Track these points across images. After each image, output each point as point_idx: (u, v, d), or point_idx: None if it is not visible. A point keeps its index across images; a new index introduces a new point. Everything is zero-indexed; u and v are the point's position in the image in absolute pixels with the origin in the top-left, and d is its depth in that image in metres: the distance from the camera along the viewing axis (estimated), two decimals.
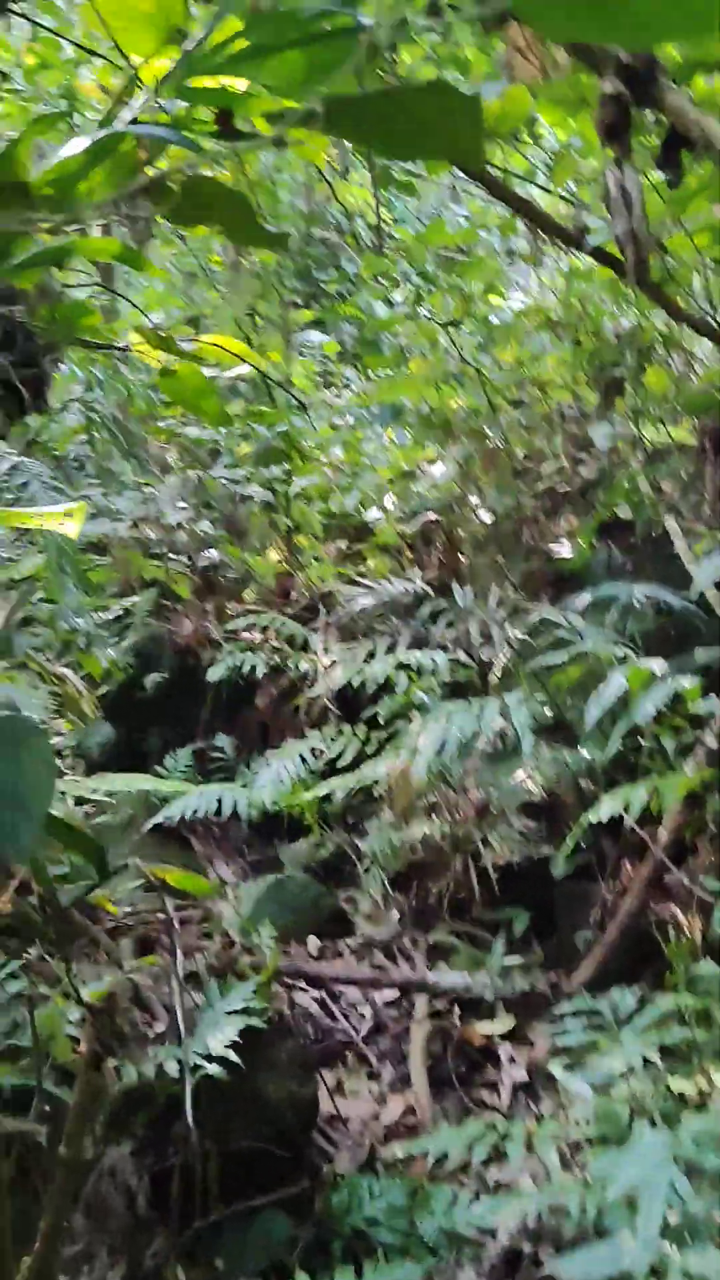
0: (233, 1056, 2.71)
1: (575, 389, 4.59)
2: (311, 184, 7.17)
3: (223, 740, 5.73)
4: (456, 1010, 3.67)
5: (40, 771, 1.25)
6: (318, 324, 9.90)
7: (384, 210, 8.45)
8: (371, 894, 4.37)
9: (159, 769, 5.56)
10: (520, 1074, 3.43)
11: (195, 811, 4.26)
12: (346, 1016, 3.79)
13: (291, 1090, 2.95)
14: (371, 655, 4.31)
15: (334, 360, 8.32)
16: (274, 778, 4.46)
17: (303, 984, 3.90)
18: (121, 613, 6.28)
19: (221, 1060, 2.71)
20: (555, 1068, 2.77)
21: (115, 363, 4.84)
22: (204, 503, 6.08)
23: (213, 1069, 2.68)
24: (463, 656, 4.10)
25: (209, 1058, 2.72)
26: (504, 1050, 3.55)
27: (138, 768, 6.03)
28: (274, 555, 6.38)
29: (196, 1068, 2.70)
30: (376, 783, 4.05)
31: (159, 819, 4.29)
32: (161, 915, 4.82)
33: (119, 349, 1.95)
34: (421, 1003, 3.71)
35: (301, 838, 5.07)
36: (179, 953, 3.32)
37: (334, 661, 4.53)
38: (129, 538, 6.00)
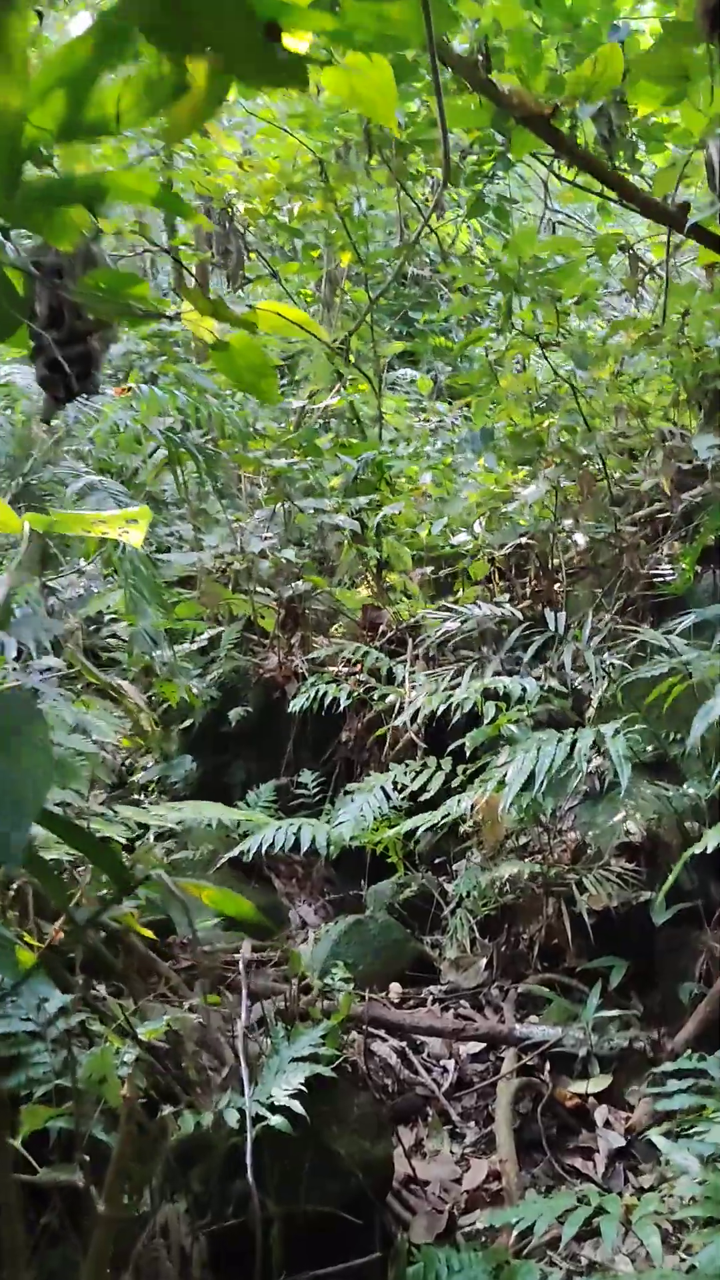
0: (297, 1107, 2.46)
1: (675, 407, 4.32)
2: (405, 216, 7.06)
3: (307, 775, 5.53)
4: (547, 1067, 3.36)
5: (36, 762, 1.06)
6: (411, 361, 9.81)
7: (481, 244, 8.32)
8: (458, 939, 4.08)
9: (241, 804, 5.38)
10: (617, 1140, 3.10)
11: (274, 847, 4.04)
12: (428, 1069, 3.51)
13: (364, 1148, 2.68)
14: (458, 682, 4.06)
15: (427, 397, 8.17)
16: (355, 813, 4.23)
17: (382, 1033, 3.63)
18: (207, 644, 6.16)
19: (285, 1111, 2.46)
20: (657, 1136, 2.45)
21: (204, 393, 4.74)
22: (292, 538, 5.95)
23: (276, 1120, 2.44)
24: (555, 685, 3.83)
25: (273, 1107, 2.48)
26: (599, 1113, 3.23)
27: (221, 802, 5.88)
28: (364, 592, 6.20)
29: (259, 1119, 2.47)
30: (463, 819, 3.79)
31: (235, 853, 4.08)
32: (238, 956, 4.63)
33: (168, 318, 1.77)
34: (510, 1057, 3.41)
35: (386, 878, 4.82)
36: (246, 992, 3.10)
37: (416, 688, 4.29)
38: (215, 569, 5.88)
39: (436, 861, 4.88)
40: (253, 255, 7.53)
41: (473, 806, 3.47)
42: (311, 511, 5.76)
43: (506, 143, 5.61)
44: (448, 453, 5.27)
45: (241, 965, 3.30)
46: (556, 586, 4.45)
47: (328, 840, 4.11)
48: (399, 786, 4.30)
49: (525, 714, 3.83)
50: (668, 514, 4.92)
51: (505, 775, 3.25)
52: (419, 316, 10.62)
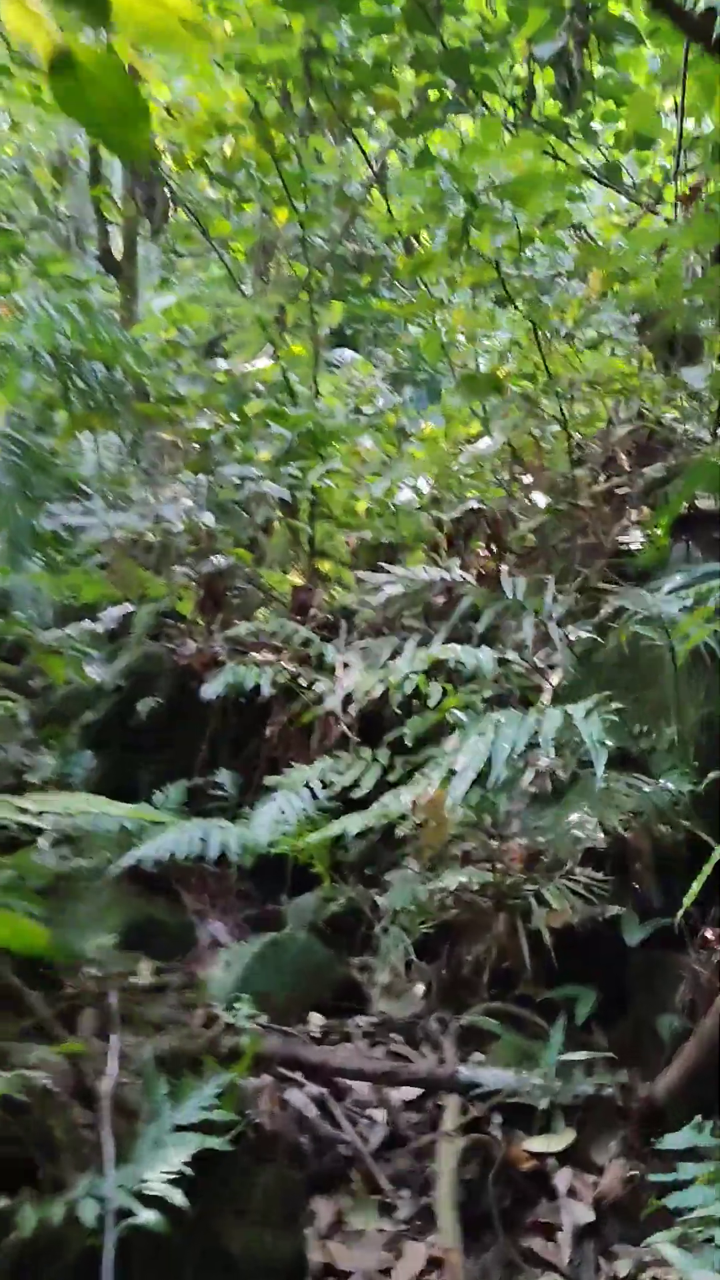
0: (177, 1197, 1.81)
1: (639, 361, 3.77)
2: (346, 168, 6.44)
3: (225, 775, 4.86)
4: (498, 1119, 2.74)
5: None
6: (350, 344, 9.22)
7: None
8: (391, 960, 3.45)
9: (145, 807, 4.69)
10: (584, 1214, 2.50)
11: (175, 854, 3.38)
12: (353, 1121, 2.87)
13: (267, 1244, 2.04)
14: (396, 654, 3.44)
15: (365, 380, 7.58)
16: (274, 814, 3.59)
17: (299, 1075, 2.98)
18: (115, 628, 5.47)
19: (161, 1202, 1.81)
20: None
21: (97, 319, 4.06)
22: (215, 510, 5.31)
23: (146, 1217, 1.78)
24: (514, 659, 3.23)
25: (144, 1197, 1.83)
26: (561, 1177, 2.62)
27: (126, 803, 5.18)
28: (296, 578, 5.58)
29: (124, 1213, 1.81)
30: (403, 818, 3.17)
31: (129, 861, 3.42)
32: (135, 979, 3.94)
33: None
34: (452, 1107, 2.79)
35: (310, 889, 4.18)
36: (118, 1029, 2.45)
37: (349, 669, 3.67)
38: (128, 543, 5.20)
39: (367, 872, 4.25)
40: (180, 213, 6.91)
41: (413, 804, 2.85)
42: (237, 481, 5.12)
43: (458, 86, 5.07)
44: (389, 414, 4.66)
45: (114, 1000, 2.61)
46: (511, 553, 3.86)
47: (241, 846, 3.46)
48: (326, 784, 3.67)
49: (478, 696, 3.23)
50: (625, 488, 4.39)
51: (454, 764, 2.64)
52: (359, 303, 10.07)
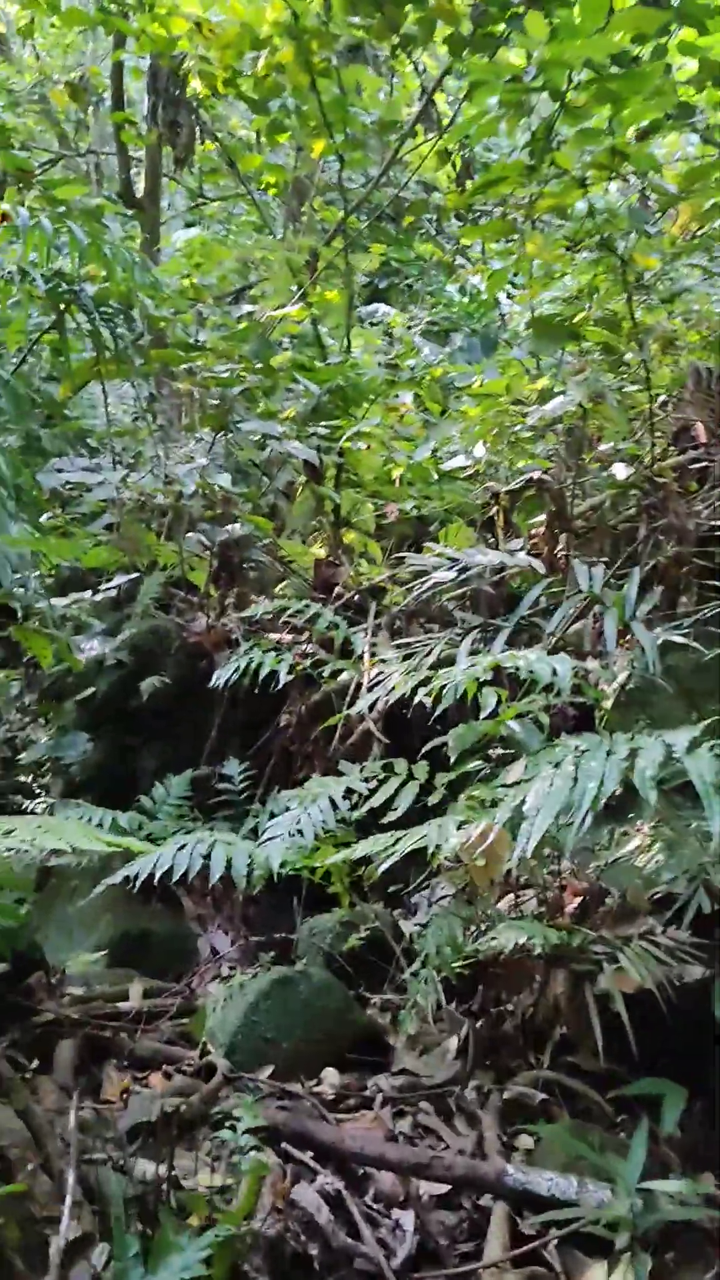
0: None
1: None
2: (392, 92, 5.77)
3: (233, 766, 4.31)
4: (553, 1239, 2.19)
5: None
6: (385, 300, 8.56)
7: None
8: (420, 1003, 2.89)
9: (146, 799, 4.15)
10: None
11: (173, 873, 2.83)
12: (374, 1223, 2.32)
13: None
14: (442, 658, 2.87)
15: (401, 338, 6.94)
16: (289, 827, 3.02)
17: (310, 1158, 2.44)
18: (120, 596, 4.91)
19: None
20: None
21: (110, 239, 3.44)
22: (232, 470, 4.73)
23: None
24: (595, 667, 2.65)
25: None
26: None
27: (126, 793, 4.63)
28: (319, 550, 5.00)
29: None
30: (438, 850, 2.60)
31: (116, 879, 2.86)
32: (124, 1005, 3.41)
33: None
34: (499, 1220, 2.24)
35: (327, 902, 3.64)
36: (72, 1164, 1.91)
37: (383, 664, 3.09)
38: (136, 505, 4.61)
39: (391, 890, 3.70)
40: (209, 146, 6.27)
41: (467, 842, 2.28)
42: (258, 439, 4.53)
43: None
44: (434, 368, 4.05)
45: (72, 1118, 2.08)
46: (573, 534, 3.27)
47: (249, 866, 2.91)
48: (352, 797, 3.10)
49: (538, 704, 2.65)
50: (706, 462, 3.79)
51: (521, 801, 2.06)
52: (396, 253, 9.39)
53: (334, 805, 3.09)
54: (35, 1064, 3.07)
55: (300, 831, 3.09)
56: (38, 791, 4.83)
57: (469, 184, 6.22)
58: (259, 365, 4.46)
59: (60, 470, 5.23)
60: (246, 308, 5.16)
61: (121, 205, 6.77)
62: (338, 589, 4.65)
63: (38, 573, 2.81)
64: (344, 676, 3.90)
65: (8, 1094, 2.32)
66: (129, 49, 5.98)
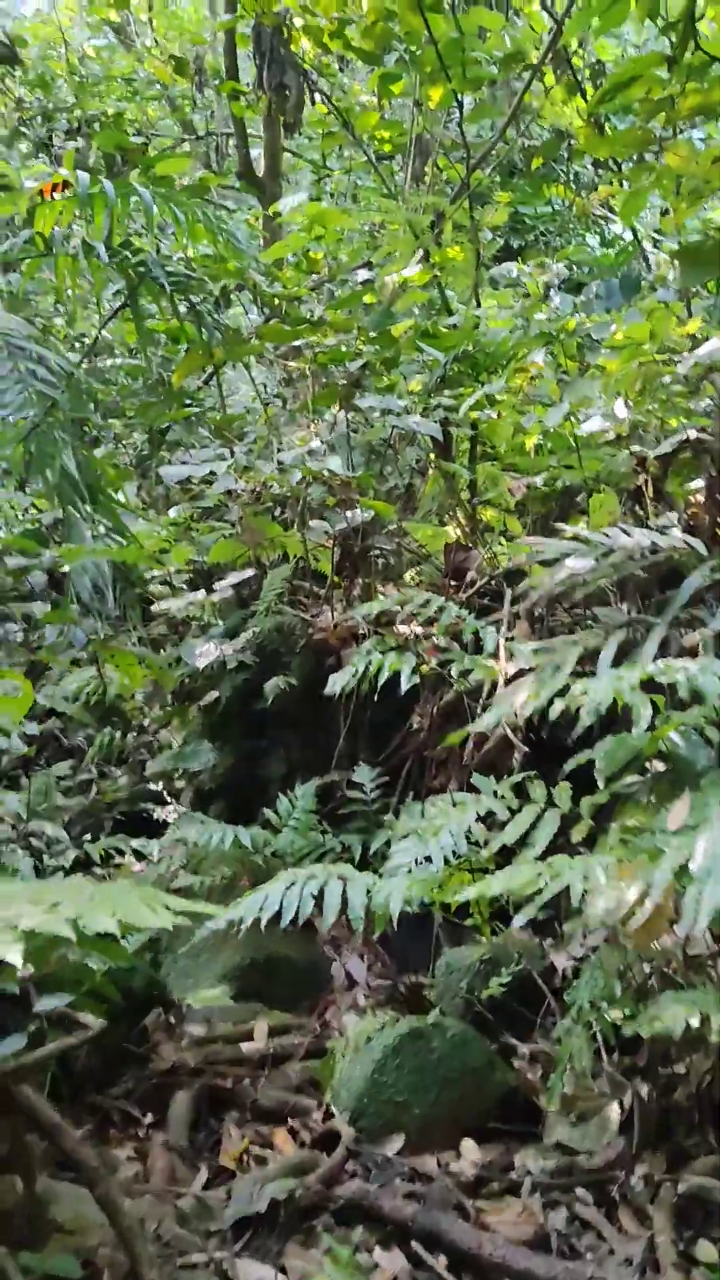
0: None
1: None
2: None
3: (364, 772, 3.91)
4: None
5: None
6: (515, 255, 7.93)
7: None
8: (575, 1065, 2.42)
9: (268, 814, 3.79)
10: None
11: (282, 916, 2.45)
12: None
13: None
14: (583, 664, 2.37)
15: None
16: (416, 854, 2.60)
17: (444, 1266, 2.02)
18: (245, 592, 4.56)
19: None
20: None
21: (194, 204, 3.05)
22: (354, 447, 4.30)
23: None
24: None
25: None
26: None
27: (256, 800, 4.31)
28: (452, 534, 4.52)
29: None
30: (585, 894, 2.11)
31: (219, 924, 2.50)
32: (247, 1047, 3.06)
33: None
34: None
35: (466, 931, 3.20)
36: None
37: (518, 672, 2.61)
38: (248, 494, 4.24)
39: (540, 918, 3.22)
40: (321, 109, 5.83)
41: (620, 906, 1.79)
42: (379, 415, 4.08)
43: None
44: (569, 319, 3.50)
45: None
46: None
47: (367, 903, 2.49)
48: (486, 818, 2.64)
49: (704, 716, 2.12)
50: None
51: (687, 858, 1.56)
52: (528, 211, 8.73)
53: (468, 835, 2.64)
54: (150, 1118, 2.78)
55: (429, 858, 2.66)
56: (168, 800, 4.56)
57: (585, 133, 5.57)
58: (375, 334, 4.00)
59: (185, 463, 4.95)
60: (362, 274, 4.71)
61: (243, 184, 6.41)
62: (471, 574, 4.17)
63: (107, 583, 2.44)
64: (477, 675, 3.43)
65: (96, 1180, 1.99)
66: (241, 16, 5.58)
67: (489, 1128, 2.50)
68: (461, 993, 2.81)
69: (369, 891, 2.51)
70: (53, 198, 2.67)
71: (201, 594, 4.08)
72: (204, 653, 3.72)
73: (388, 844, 3.70)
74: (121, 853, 3.92)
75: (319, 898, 2.49)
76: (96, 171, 4.26)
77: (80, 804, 4.86)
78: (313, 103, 5.66)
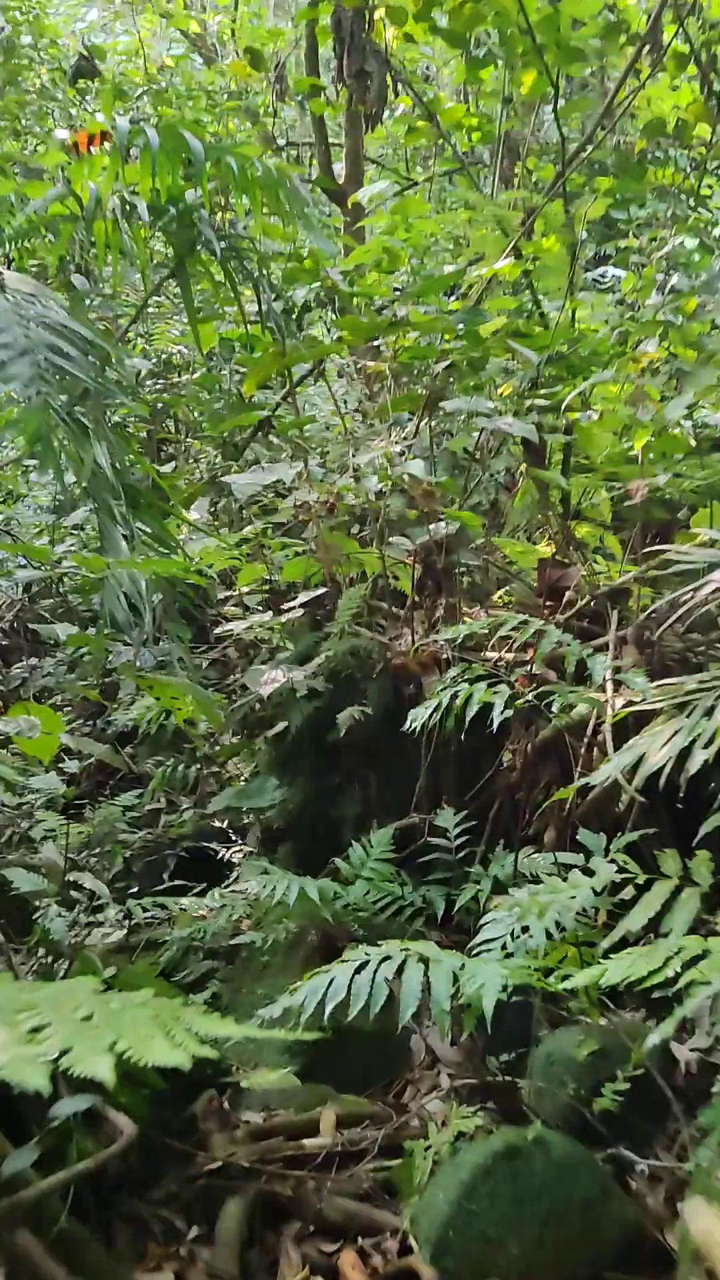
0: None
1: None
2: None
3: (447, 816, 3.44)
4: None
5: None
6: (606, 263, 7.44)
7: None
8: (711, 1192, 1.91)
9: (340, 864, 3.35)
10: None
11: (350, 1005, 2.00)
12: None
13: None
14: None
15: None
16: (507, 929, 2.13)
17: None
18: (321, 610, 4.14)
19: None
20: None
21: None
22: (436, 455, 3.86)
23: None
24: None
25: None
26: None
27: (329, 841, 3.87)
28: (545, 550, 4.06)
29: None
30: None
31: (275, 1012, 2.06)
32: (311, 1143, 2.61)
33: None
34: None
35: (566, 1025, 2.69)
36: None
37: (626, 705, 2.12)
38: (321, 505, 3.82)
39: (652, 993, 2.71)
40: (405, 101, 5.44)
41: None
42: (464, 420, 3.64)
43: None
44: (688, 298, 3.01)
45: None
46: None
47: (454, 996, 2.02)
48: (607, 893, 2.16)
49: None
50: None
51: None
52: (621, 216, 8.22)
53: (580, 915, 2.16)
54: (195, 1231, 2.34)
55: (526, 929, 2.20)
56: (234, 838, 4.15)
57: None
58: (461, 332, 3.57)
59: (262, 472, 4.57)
60: (448, 268, 4.28)
61: (320, 181, 6.05)
62: (569, 595, 3.69)
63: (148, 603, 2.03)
64: (580, 709, 2.94)
65: None
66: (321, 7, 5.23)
67: (605, 1277, 1.99)
68: (565, 1092, 2.31)
69: (456, 977, 2.04)
70: (90, 152, 2.30)
71: (268, 615, 3.66)
72: (270, 679, 3.30)
73: (475, 899, 3.24)
74: (165, 907, 3.51)
75: (391, 984, 2.03)
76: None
77: (144, 838, 4.50)
78: (395, 93, 5.29)
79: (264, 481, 3.53)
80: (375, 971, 2.02)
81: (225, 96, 7.68)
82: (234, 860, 4.05)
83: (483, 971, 1.98)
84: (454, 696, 2.64)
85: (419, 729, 3.11)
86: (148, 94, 6.61)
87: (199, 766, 4.34)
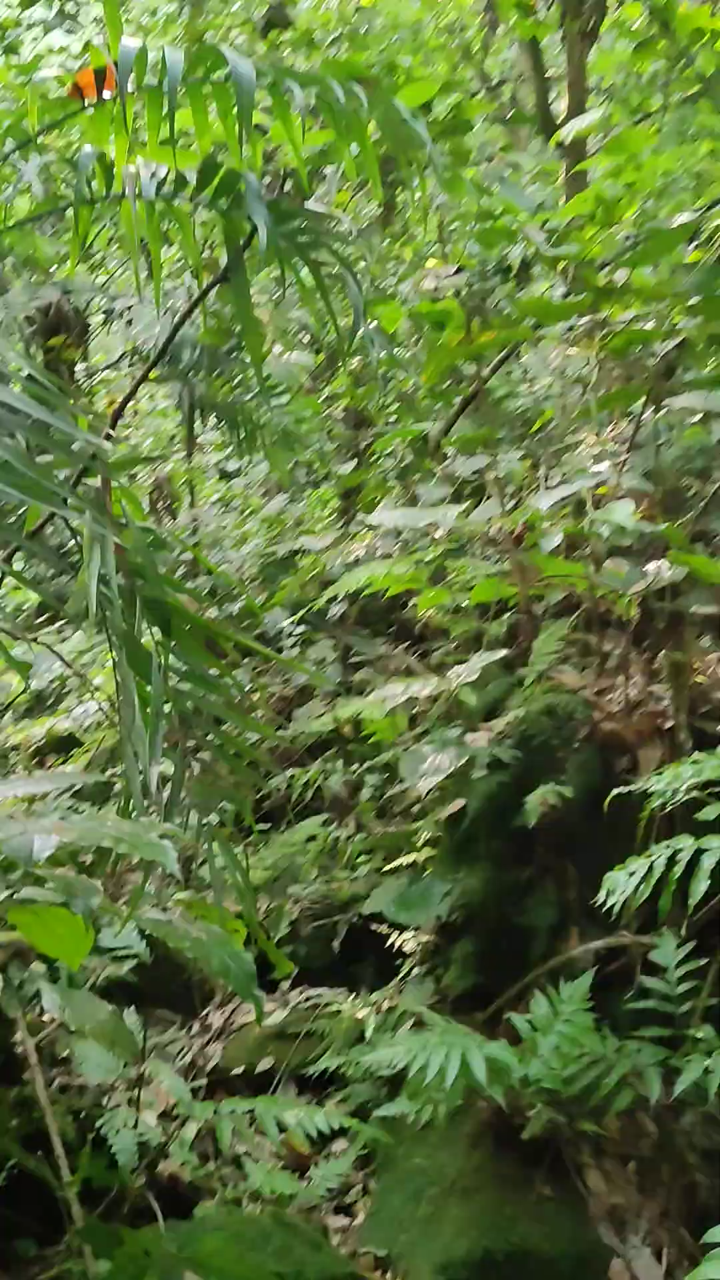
0: None
1: None
2: None
3: (667, 948, 2.56)
4: None
5: None
6: None
7: None
8: None
9: (516, 1021, 2.53)
10: None
11: None
12: None
13: None
14: None
15: None
16: None
17: None
18: (509, 653, 3.30)
19: None
20: None
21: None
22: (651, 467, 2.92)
23: None
24: None
25: None
26: None
27: (516, 953, 3.06)
28: None
29: None
30: None
31: None
32: None
33: None
34: None
35: None
36: None
37: None
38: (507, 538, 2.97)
39: None
40: (634, 10, 4.38)
41: None
42: (698, 419, 2.69)
43: None
44: None
45: None
46: None
47: None
48: None
49: None
50: None
51: None
52: None
53: None
54: None
55: None
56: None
57: None
58: (697, 301, 2.61)
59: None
60: (683, 217, 3.27)
61: (527, 117, 5.10)
62: None
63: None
64: None
65: None
66: None
67: None
68: None
69: None
70: (101, 100, 1.56)
71: (432, 683, 2.85)
72: (430, 769, 2.52)
73: (706, 1073, 2.35)
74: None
75: None
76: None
77: (315, 893, 3.91)
78: (619, 3, 4.25)
79: (417, 524, 2.74)
80: None
81: (435, 35, 6.80)
82: (404, 951, 3.34)
83: None
84: (672, 859, 1.76)
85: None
86: (341, 39, 5.86)
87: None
